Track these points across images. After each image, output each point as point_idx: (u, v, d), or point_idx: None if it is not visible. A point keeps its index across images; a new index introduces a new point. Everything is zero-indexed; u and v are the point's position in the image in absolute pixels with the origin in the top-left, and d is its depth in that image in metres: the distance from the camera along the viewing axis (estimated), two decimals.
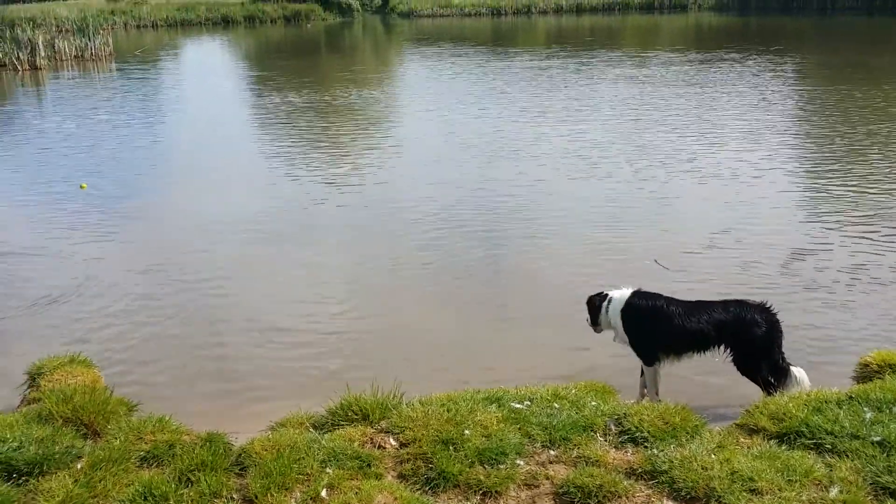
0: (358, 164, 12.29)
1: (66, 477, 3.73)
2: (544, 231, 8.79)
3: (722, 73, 21.24)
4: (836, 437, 3.84)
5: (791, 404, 4.16)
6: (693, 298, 5.00)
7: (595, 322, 5.11)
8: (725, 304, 4.83)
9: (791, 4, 49.68)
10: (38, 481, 3.73)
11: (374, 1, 64.91)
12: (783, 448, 3.83)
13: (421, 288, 7.43)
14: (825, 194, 9.80)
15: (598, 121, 15.01)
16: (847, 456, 3.71)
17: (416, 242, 8.56)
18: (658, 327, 4.78)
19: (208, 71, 28.80)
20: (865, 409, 4.05)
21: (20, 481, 3.75)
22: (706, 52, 26.87)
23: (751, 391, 4.73)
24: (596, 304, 5.06)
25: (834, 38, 33.52)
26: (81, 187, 11.12)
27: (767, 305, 4.76)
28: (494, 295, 7.17)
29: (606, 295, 5.03)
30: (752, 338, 4.67)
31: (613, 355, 5.51)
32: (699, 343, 4.79)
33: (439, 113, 16.76)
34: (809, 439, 3.86)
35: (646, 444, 3.91)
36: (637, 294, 4.93)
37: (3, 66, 27.35)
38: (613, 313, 4.95)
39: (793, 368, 4.76)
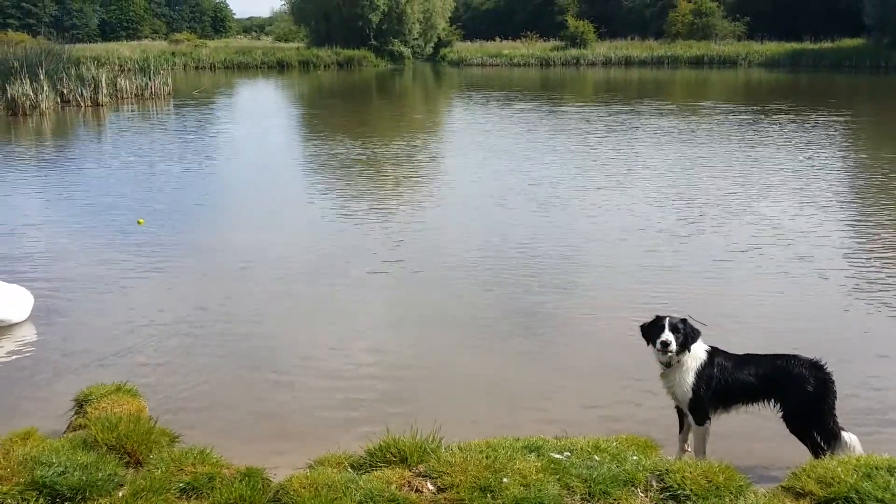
0: (403, 209, 12.42)
1: None
2: (588, 282, 8.75)
3: (773, 129, 21.11)
4: None
5: (840, 469, 4.03)
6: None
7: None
8: (775, 357, 4.72)
9: (843, 62, 49.38)
10: None
11: (424, 49, 66.39)
12: None
13: (462, 334, 7.42)
14: (881, 254, 9.60)
15: (646, 174, 15.00)
16: None
17: (458, 289, 8.58)
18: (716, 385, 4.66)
19: (262, 112, 29.57)
20: None
21: None
22: (756, 107, 26.77)
23: (797, 454, 4.60)
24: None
25: (887, 97, 33.12)
26: (139, 223, 11.39)
27: (821, 363, 4.62)
28: (535, 343, 7.13)
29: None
30: (800, 395, 4.55)
31: (656, 409, 5.43)
32: (748, 397, 4.69)
33: (486, 160, 16.92)
34: None
35: (688, 502, 3.82)
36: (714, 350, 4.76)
37: (67, 102, 28.45)
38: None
39: (844, 434, 4.61)
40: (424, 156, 17.94)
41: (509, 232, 10.80)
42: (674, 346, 4.56)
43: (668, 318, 4.64)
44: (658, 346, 4.59)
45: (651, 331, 4.69)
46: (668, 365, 4.69)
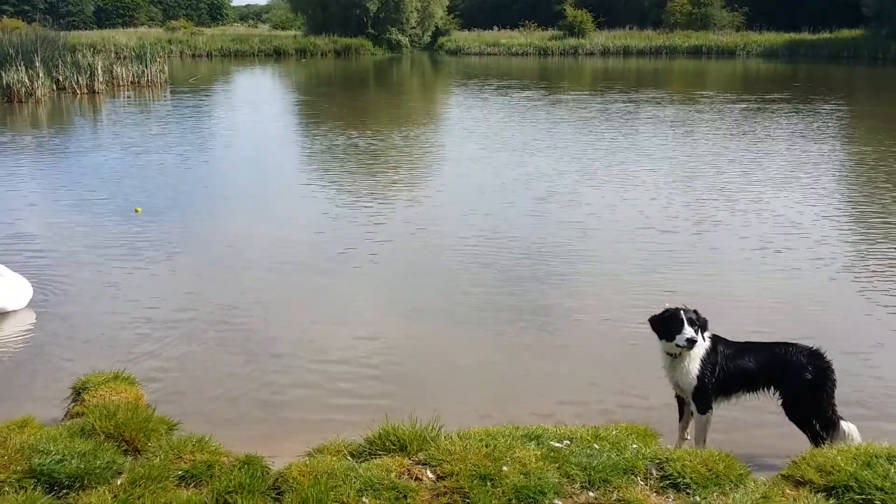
0: (400, 199, 12.39)
1: (106, 492, 3.76)
2: (586, 272, 8.72)
3: (775, 119, 21.08)
4: (886, 493, 3.71)
5: (840, 457, 4.03)
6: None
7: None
8: (774, 345, 4.72)
9: (841, 53, 49.30)
10: (78, 495, 3.77)
11: (422, 38, 66.16)
12: (831, 502, 3.71)
13: (461, 324, 7.41)
14: (886, 245, 9.60)
15: (644, 165, 14.98)
16: None
17: (457, 280, 8.55)
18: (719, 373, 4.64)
19: (258, 100, 29.44)
20: None
21: (61, 494, 3.79)
22: (756, 97, 26.73)
23: (796, 443, 4.60)
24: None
25: (886, 88, 33.08)
26: (136, 211, 11.35)
27: (821, 352, 4.61)
28: (535, 334, 7.12)
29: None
30: (799, 383, 4.55)
31: (656, 398, 5.42)
32: (748, 385, 4.68)
33: (484, 150, 16.86)
34: (858, 494, 3.73)
35: (688, 490, 3.82)
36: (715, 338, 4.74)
37: (62, 89, 28.29)
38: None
39: (843, 422, 4.61)
40: (422, 146, 17.88)
41: (508, 223, 10.76)
42: (699, 341, 4.50)
43: (682, 311, 4.56)
44: (684, 343, 4.48)
45: (667, 326, 4.58)
46: (676, 356, 4.64)
